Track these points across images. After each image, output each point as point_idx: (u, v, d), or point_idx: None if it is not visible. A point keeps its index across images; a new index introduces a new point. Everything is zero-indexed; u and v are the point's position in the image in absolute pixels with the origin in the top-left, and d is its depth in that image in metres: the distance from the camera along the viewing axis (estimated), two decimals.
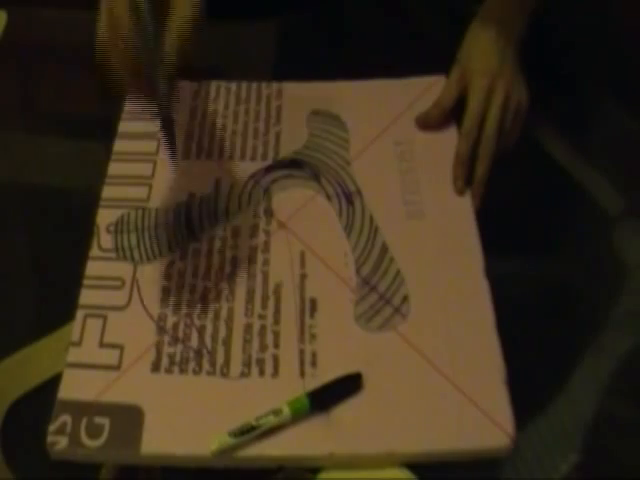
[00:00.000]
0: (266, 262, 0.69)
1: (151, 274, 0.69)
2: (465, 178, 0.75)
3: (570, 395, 0.66)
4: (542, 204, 0.79)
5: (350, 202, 0.73)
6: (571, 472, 0.63)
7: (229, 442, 0.58)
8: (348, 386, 0.62)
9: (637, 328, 0.71)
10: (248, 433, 0.58)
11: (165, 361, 0.64)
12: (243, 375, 0.63)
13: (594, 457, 0.64)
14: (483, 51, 0.79)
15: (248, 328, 0.65)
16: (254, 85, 0.84)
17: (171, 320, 0.66)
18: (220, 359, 0.64)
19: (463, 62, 0.80)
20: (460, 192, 0.74)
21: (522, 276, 0.74)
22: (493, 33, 0.79)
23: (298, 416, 0.60)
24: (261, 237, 0.71)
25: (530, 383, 0.65)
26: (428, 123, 0.79)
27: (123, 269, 0.69)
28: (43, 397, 0.63)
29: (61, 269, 0.73)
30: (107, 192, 0.75)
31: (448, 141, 0.78)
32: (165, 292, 0.68)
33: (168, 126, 0.62)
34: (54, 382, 0.63)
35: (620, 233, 0.79)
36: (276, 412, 0.59)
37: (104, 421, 0.60)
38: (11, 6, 0.96)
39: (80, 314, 0.66)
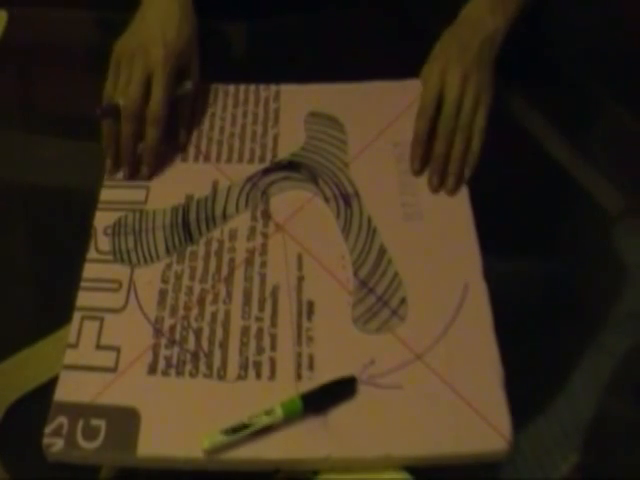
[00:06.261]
0: (263, 264, 0.69)
1: (148, 276, 0.69)
2: (422, 158, 0.75)
3: (570, 395, 0.66)
4: (542, 204, 0.79)
5: (348, 204, 0.73)
6: (571, 472, 0.63)
7: (221, 440, 0.58)
8: (342, 389, 0.62)
9: (637, 328, 0.71)
10: (240, 431, 0.58)
11: (162, 363, 0.64)
12: (240, 378, 0.63)
13: (594, 457, 0.64)
14: (444, 43, 0.81)
15: (245, 331, 0.65)
16: (252, 87, 0.84)
17: (168, 322, 0.66)
18: (217, 362, 0.64)
19: (429, 60, 0.81)
20: (416, 172, 0.75)
21: (522, 276, 0.74)
22: (457, 31, 0.81)
23: (291, 417, 0.60)
24: (258, 239, 0.71)
25: (530, 383, 0.65)
26: (419, 137, 0.77)
27: (120, 271, 0.69)
28: (41, 399, 0.63)
29: (59, 271, 0.73)
30: (105, 194, 0.75)
31: None
32: (162, 294, 0.68)
33: None
34: (52, 384, 0.63)
35: (620, 233, 0.79)
36: (268, 412, 0.59)
37: (100, 423, 0.61)
38: (11, 6, 0.96)
39: (77, 316, 0.67)
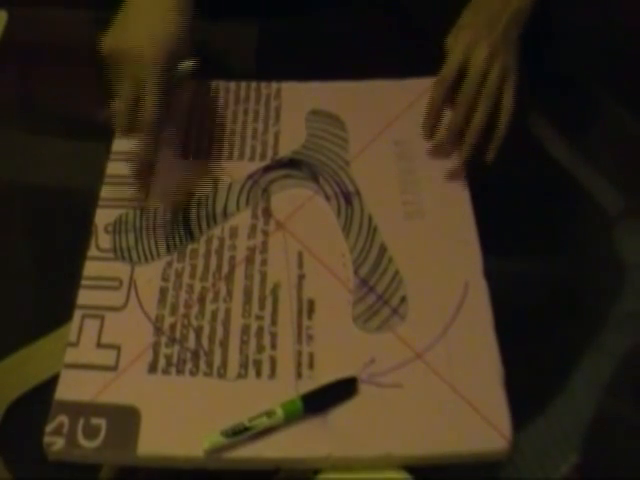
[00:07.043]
0: (264, 262, 0.69)
1: (149, 274, 0.69)
2: (433, 127, 0.75)
3: (570, 395, 0.66)
4: (542, 204, 0.79)
5: (349, 202, 0.73)
6: (571, 472, 0.63)
7: (221, 441, 0.58)
8: (343, 390, 0.61)
9: (637, 328, 0.71)
10: (241, 434, 0.58)
11: (162, 362, 0.64)
12: (240, 376, 0.63)
13: (594, 457, 0.64)
14: (472, 13, 0.78)
15: (245, 329, 0.65)
16: (253, 85, 0.83)
17: (168, 321, 0.66)
18: (217, 360, 0.64)
19: (456, 28, 0.79)
20: (427, 140, 0.75)
21: (522, 276, 0.74)
22: (485, 3, 0.78)
23: (291, 418, 0.60)
24: (259, 237, 0.71)
25: (530, 383, 0.65)
26: (434, 105, 0.76)
27: (121, 269, 0.69)
28: (42, 397, 0.63)
29: (60, 269, 0.73)
30: (105, 192, 0.75)
31: None
32: (163, 293, 0.68)
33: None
34: (53, 382, 0.63)
35: (620, 233, 0.79)
36: (269, 414, 0.59)
37: (101, 422, 0.60)
38: (11, 6, 0.96)
39: (78, 314, 0.66)
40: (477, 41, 0.75)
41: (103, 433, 0.60)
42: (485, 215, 0.72)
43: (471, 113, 0.74)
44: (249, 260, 0.69)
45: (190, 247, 0.71)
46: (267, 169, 0.76)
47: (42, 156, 0.84)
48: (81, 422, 0.60)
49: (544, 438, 0.64)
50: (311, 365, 0.63)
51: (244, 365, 0.63)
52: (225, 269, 0.69)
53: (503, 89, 0.74)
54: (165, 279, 0.68)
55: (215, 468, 0.60)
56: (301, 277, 0.68)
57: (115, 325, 0.66)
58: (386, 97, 0.82)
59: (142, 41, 0.70)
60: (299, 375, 0.63)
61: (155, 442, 0.60)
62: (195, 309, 0.67)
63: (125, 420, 0.61)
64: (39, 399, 0.64)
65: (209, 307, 0.67)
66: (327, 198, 0.74)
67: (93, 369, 0.63)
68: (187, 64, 0.76)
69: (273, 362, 0.63)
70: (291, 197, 0.74)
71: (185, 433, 0.60)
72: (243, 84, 0.84)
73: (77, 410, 0.61)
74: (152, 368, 0.63)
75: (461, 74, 0.75)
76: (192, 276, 0.69)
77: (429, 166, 0.76)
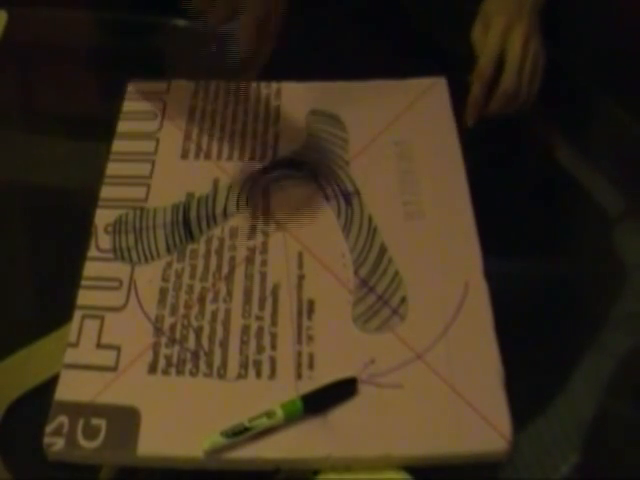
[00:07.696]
0: (264, 263, 0.69)
1: (149, 275, 0.69)
2: (477, 119, 0.76)
3: (570, 395, 0.66)
4: (542, 204, 0.79)
5: (348, 202, 0.73)
6: (571, 472, 0.63)
7: (221, 442, 0.58)
8: (343, 390, 0.61)
9: (637, 328, 0.71)
10: (241, 434, 0.58)
11: (162, 362, 0.63)
12: (240, 377, 0.63)
13: (594, 457, 0.64)
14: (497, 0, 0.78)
15: (245, 329, 0.65)
16: (253, 85, 0.84)
17: (168, 321, 0.66)
18: (217, 361, 0.64)
19: (482, 15, 0.79)
20: (469, 128, 0.76)
21: (522, 276, 0.74)
22: None
23: (291, 419, 0.60)
24: (259, 238, 0.71)
25: (530, 383, 0.65)
26: (476, 100, 0.77)
27: (121, 270, 0.69)
28: (42, 398, 0.63)
29: (60, 269, 0.73)
30: (105, 192, 0.75)
31: (448, 141, 0.77)
32: (162, 293, 0.67)
33: None
34: (52, 383, 0.63)
35: (620, 233, 0.79)
36: (269, 414, 0.59)
37: (101, 422, 0.60)
38: (11, 6, 0.96)
39: (77, 315, 0.66)
40: (511, 27, 0.75)
41: (103, 433, 0.60)
42: (485, 215, 0.72)
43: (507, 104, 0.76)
44: (249, 260, 0.69)
45: (190, 247, 0.71)
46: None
47: (42, 156, 0.84)
48: (81, 422, 0.60)
49: (544, 438, 0.64)
50: (311, 365, 0.63)
51: (244, 365, 0.63)
52: (225, 269, 0.69)
53: (533, 78, 0.76)
54: (165, 279, 0.68)
55: (215, 469, 0.60)
56: (301, 277, 0.68)
57: (115, 325, 0.66)
58: (386, 97, 0.82)
59: None
60: (299, 375, 0.63)
61: (155, 442, 0.60)
62: (195, 309, 0.67)
63: (125, 420, 0.60)
64: (39, 399, 0.64)
65: (209, 307, 0.67)
66: (327, 198, 0.74)
67: (93, 369, 0.63)
68: None
69: (273, 362, 0.63)
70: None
71: (185, 433, 0.60)
72: (243, 84, 0.84)
73: (77, 410, 0.61)
74: (152, 368, 0.63)
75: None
76: (192, 276, 0.69)
77: (429, 166, 0.76)
